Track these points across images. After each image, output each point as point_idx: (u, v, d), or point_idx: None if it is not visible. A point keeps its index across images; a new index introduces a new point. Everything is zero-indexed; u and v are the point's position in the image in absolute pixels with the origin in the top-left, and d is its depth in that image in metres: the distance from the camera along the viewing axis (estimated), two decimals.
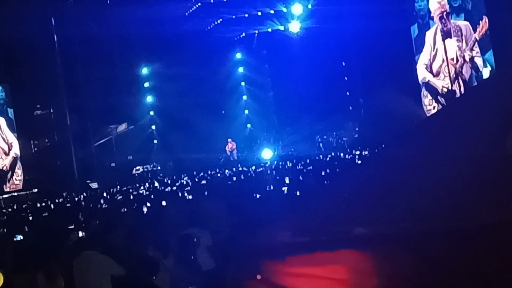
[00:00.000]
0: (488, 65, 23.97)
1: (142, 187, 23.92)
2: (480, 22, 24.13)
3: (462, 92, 24.98)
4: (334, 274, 3.23)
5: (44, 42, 29.47)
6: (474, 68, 24.77)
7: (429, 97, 27.24)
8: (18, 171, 31.03)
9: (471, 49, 24.65)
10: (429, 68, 27.21)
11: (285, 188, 13.54)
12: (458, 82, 25.61)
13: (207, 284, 7.69)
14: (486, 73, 23.82)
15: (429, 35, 26.98)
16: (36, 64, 28.89)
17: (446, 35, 26.01)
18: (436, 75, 26.86)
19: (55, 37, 30.21)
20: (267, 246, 3.78)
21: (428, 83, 27.25)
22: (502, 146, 2.90)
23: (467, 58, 24.96)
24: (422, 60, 27.48)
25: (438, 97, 26.63)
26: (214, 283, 7.43)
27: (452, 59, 25.75)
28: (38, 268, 7.99)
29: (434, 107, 26.63)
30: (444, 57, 26.27)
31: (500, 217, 2.64)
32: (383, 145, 17.10)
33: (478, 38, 24.25)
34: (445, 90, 26.29)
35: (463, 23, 25.02)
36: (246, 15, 32.53)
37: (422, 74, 27.52)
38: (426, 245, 2.93)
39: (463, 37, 25.10)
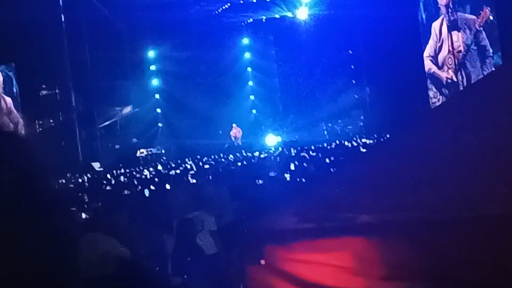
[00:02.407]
0: (493, 59, 23.93)
1: (146, 170, 23.94)
2: (481, 12, 24.09)
3: (466, 85, 24.95)
4: (338, 261, 3.24)
5: (51, 22, 29.43)
6: (479, 61, 24.74)
7: (434, 89, 27.22)
8: None
9: (476, 42, 24.61)
10: (435, 59, 27.17)
11: (288, 175, 13.55)
12: (462, 75, 25.58)
13: (210, 268, 7.72)
14: (491, 66, 23.78)
15: (435, 26, 26.92)
16: (42, 44, 28.84)
17: (452, 27, 25.95)
18: (441, 67, 26.83)
19: (63, 17, 30.17)
20: (271, 231, 3.80)
21: (433, 75, 27.23)
22: (507, 139, 2.91)
23: (472, 51, 24.92)
24: (428, 51, 27.44)
25: (443, 89, 26.60)
26: (217, 267, 7.45)
27: (458, 51, 25.71)
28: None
29: (438, 100, 26.60)
30: (449, 48, 26.22)
31: (505, 209, 2.65)
32: (388, 135, 17.11)
33: (478, 28, 24.20)
34: (449, 82, 26.25)
35: (470, 17, 24.96)
36: (254, 0, 32.45)
37: (428, 65, 27.48)
38: (429, 234, 2.95)
39: (470, 31, 25.04)
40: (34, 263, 1.51)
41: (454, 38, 25.80)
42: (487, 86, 4.00)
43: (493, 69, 22.37)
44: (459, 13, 25.41)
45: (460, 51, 25.66)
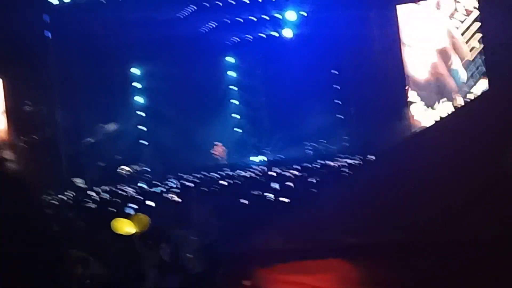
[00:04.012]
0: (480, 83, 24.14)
1: (129, 187, 23.86)
2: None
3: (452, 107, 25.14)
4: (322, 283, 3.21)
5: (37, 39, 29.39)
6: (459, 82, 24.99)
7: (418, 110, 27.40)
8: None
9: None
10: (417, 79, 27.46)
11: (272, 194, 13.53)
12: (447, 97, 25.79)
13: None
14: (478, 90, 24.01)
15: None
16: (27, 60, 28.76)
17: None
18: (423, 88, 27.06)
19: (49, 34, 30.14)
20: (255, 252, 3.76)
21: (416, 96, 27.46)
22: (502, 159, 2.90)
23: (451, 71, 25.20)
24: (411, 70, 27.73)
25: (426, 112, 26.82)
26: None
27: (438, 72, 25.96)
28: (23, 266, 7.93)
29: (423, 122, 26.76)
30: (430, 70, 26.49)
31: (495, 233, 2.63)
32: (372, 156, 17.15)
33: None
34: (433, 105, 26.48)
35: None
36: (241, 20, 32.55)
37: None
38: (415, 257, 2.92)
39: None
40: (16, 280, 1.47)
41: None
42: (475, 108, 3.99)
43: (480, 92, 22.56)
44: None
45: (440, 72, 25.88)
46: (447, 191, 3.14)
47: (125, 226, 9.05)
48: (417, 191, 3.41)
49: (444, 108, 25.77)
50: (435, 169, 3.40)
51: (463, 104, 21.97)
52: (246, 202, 12.11)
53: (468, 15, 25.32)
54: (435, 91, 26.63)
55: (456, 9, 25.66)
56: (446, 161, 3.38)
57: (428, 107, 27.02)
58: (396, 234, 3.17)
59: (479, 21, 24.86)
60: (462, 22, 25.57)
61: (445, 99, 26.24)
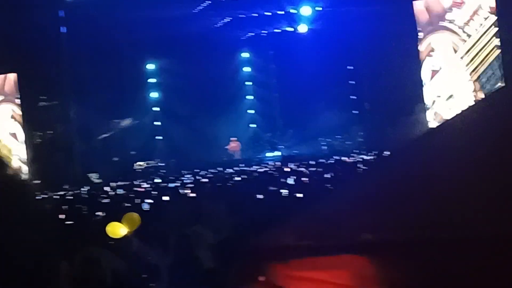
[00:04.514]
0: (494, 74, 23.99)
1: (144, 183, 23.90)
2: None
3: (470, 102, 25.01)
4: (337, 279, 3.20)
5: (52, 34, 29.50)
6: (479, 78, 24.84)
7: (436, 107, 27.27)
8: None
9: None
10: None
11: (287, 190, 13.51)
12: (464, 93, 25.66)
13: (208, 284, 7.66)
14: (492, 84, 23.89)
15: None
16: (42, 55, 28.88)
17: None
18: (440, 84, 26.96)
19: (64, 29, 30.24)
20: (270, 248, 3.75)
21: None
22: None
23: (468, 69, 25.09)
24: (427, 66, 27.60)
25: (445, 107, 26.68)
26: (215, 283, 7.39)
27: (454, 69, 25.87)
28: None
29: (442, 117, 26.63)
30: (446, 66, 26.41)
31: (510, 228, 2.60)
32: (387, 151, 17.07)
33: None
34: (452, 100, 26.33)
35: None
36: (256, 15, 32.52)
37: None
38: (432, 253, 2.90)
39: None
40: (28, 277, 1.46)
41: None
42: (491, 104, 3.94)
43: (497, 88, 22.44)
44: None
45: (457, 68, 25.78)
46: (465, 187, 3.12)
47: (117, 229, 9.05)
48: (434, 188, 3.38)
49: (461, 104, 25.66)
50: (452, 166, 3.37)
51: (480, 99, 21.86)
52: (261, 197, 12.10)
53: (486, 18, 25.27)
54: (452, 87, 26.52)
55: (476, 12, 25.53)
56: (464, 158, 3.35)
57: (444, 102, 26.90)
58: (413, 231, 3.15)
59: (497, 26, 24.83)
60: (481, 25, 25.45)
61: (461, 94, 26.12)
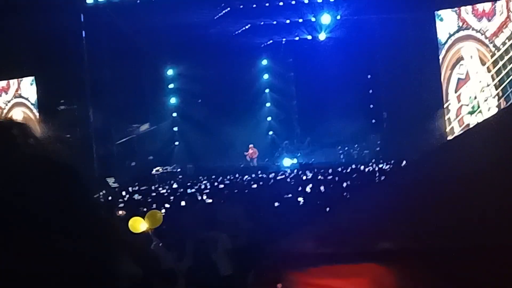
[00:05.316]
0: None
1: (161, 188, 23.93)
2: None
3: (488, 113, 24.87)
4: (355, 287, 3.19)
5: (72, 38, 29.65)
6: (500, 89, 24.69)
7: (454, 115, 27.13)
8: None
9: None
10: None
11: (303, 198, 13.50)
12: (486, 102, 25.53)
13: None
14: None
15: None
16: (62, 59, 29.04)
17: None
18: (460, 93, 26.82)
19: (84, 33, 30.38)
20: (287, 255, 3.74)
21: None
22: None
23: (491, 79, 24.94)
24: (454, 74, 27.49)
25: (463, 116, 26.54)
26: None
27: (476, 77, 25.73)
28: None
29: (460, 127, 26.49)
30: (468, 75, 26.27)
31: None
32: (405, 161, 17.00)
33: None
34: (470, 110, 26.19)
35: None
36: (274, 23, 32.55)
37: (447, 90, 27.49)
38: (450, 263, 2.89)
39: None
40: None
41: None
42: (509, 116, 3.92)
43: None
44: None
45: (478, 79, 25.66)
46: (487, 197, 3.10)
47: (138, 224, 9.15)
48: (453, 196, 3.37)
49: (483, 113, 25.55)
50: (473, 175, 3.35)
51: (504, 108, 21.73)
52: (279, 204, 12.10)
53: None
54: (473, 96, 26.38)
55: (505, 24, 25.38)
56: (486, 167, 3.33)
57: (465, 111, 26.78)
58: (431, 240, 3.14)
59: None
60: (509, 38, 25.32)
61: (483, 104, 25.98)
